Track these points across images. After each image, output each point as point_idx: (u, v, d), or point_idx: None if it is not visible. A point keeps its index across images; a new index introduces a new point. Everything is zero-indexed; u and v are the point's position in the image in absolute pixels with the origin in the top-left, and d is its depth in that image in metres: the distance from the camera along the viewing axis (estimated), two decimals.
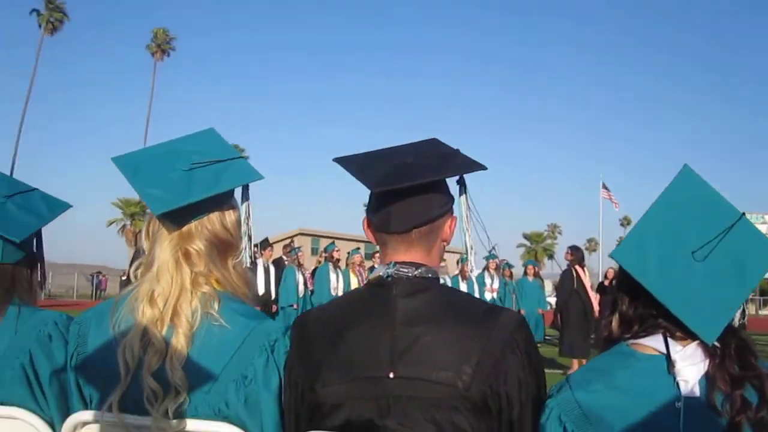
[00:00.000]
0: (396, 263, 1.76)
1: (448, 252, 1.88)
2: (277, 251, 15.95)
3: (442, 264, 1.88)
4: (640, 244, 1.70)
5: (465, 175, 1.85)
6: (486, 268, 15.83)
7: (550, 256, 77.17)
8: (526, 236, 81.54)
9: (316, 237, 50.44)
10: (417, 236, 1.77)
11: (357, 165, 1.83)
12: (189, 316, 1.79)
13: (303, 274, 13.97)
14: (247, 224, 1.97)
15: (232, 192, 1.99)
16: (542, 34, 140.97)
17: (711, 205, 1.72)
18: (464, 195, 1.86)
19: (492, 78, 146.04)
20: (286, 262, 14.28)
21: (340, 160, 1.84)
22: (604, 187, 33.19)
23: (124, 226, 59.92)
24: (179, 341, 1.76)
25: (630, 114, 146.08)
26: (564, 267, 12.16)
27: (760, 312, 59.17)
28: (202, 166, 1.93)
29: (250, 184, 1.99)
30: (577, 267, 11.73)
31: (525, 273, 16.82)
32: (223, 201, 1.95)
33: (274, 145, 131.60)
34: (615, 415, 1.59)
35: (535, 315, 15.99)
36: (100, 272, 51.18)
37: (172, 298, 1.80)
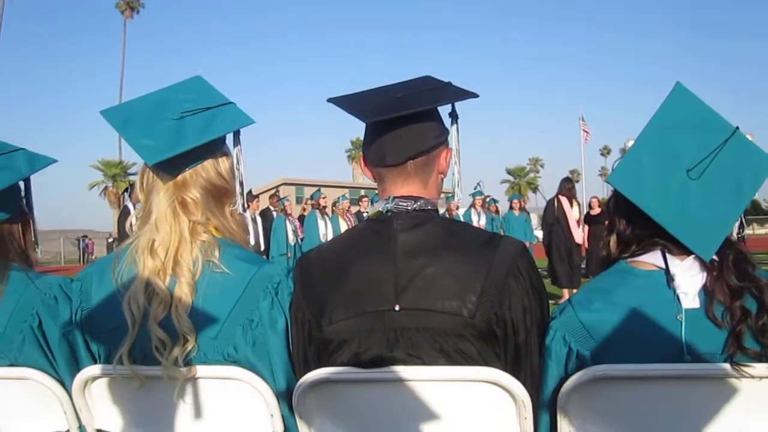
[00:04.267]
0: (395, 198, 1.78)
1: None
2: (262, 202, 16.06)
3: (441, 197, 1.89)
4: (635, 167, 1.70)
5: (457, 107, 1.86)
6: (472, 205, 15.84)
7: (534, 190, 76.97)
8: (509, 171, 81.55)
9: (300, 186, 51.21)
10: (413, 168, 1.80)
11: (349, 101, 1.85)
12: (190, 265, 1.80)
13: (292, 223, 14.03)
14: (239, 170, 1.97)
15: (224, 138, 1.98)
16: None
17: (704, 121, 1.73)
18: (455, 125, 1.87)
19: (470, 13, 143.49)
20: (274, 213, 14.42)
21: (334, 100, 1.86)
22: (583, 119, 36.01)
23: (106, 188, 59.51)
24: (183, 290, 1.77)
25: (608, 47, 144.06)
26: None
27: (756, 231, 59.14)
28: (192, 113, 1.91)
29: (240, 130, 1.98)
30: (560, 197, 11.77)
31: (510, 207, 16.54)
32: (215, 148, 1.95)
33: (252, 95, 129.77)
34: (617, 330, 1.62)
35: None
36: (86, 236, 50.75)
37: (173, 247, 1.81)
